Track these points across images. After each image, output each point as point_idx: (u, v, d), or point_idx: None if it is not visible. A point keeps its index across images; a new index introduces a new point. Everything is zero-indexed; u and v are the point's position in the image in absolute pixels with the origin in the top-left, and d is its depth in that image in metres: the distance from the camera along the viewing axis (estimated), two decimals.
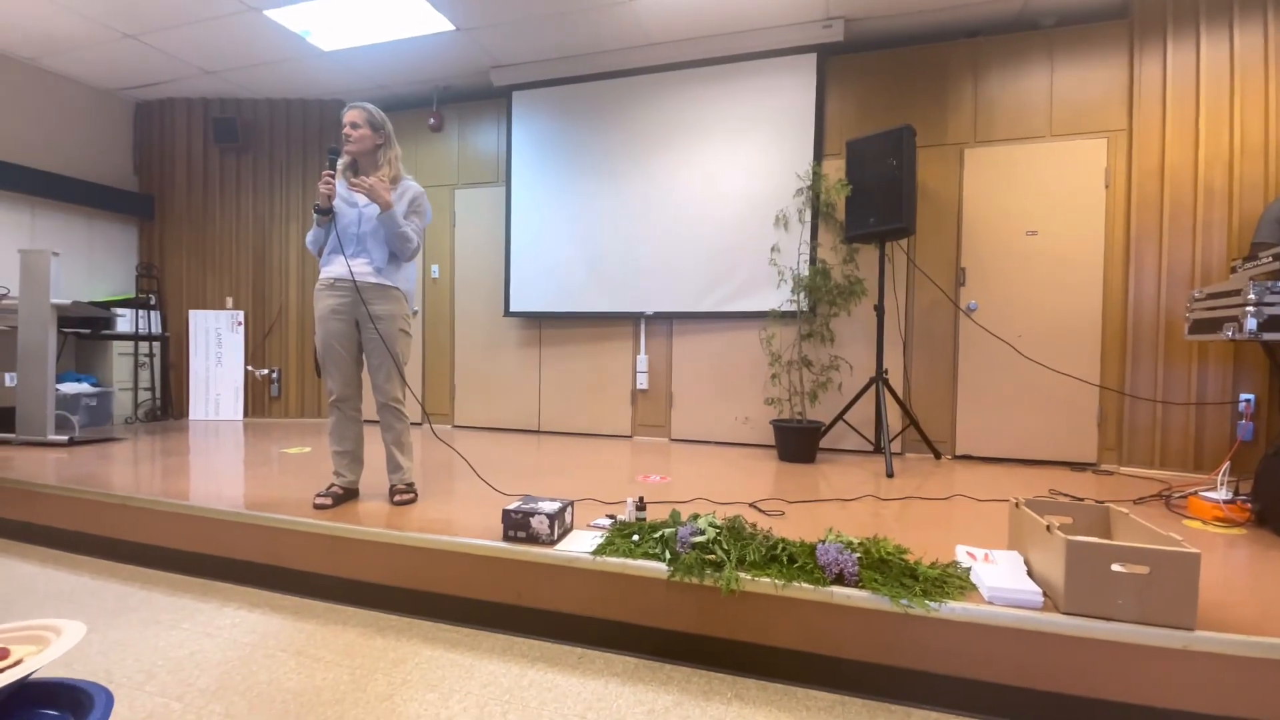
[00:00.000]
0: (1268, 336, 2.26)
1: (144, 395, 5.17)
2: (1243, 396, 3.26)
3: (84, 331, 4.75)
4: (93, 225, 5.12)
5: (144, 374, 5.17)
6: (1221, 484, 2.50)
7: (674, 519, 2.02)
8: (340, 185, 2.46)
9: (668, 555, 1.82)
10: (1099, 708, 1.46)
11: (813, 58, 4.03)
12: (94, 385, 4.83)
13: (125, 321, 5.02)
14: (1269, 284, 2.25)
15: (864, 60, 4.05)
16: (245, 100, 5.27)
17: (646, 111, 4.41)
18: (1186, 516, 2.51)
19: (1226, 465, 2.56)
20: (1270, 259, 2.33)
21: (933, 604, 1.57)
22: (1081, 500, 2.63)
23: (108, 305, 4.93)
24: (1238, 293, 2.36)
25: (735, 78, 4.20)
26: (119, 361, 5.03)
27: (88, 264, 5.09)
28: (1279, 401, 3.12)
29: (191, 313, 5.30)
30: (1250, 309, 2.26)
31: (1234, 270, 3.00)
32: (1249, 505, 2.39)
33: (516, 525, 2.00)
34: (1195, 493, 2.59)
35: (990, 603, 1.57)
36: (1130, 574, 1.45)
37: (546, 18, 3.92)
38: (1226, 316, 2.42)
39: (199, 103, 5.28)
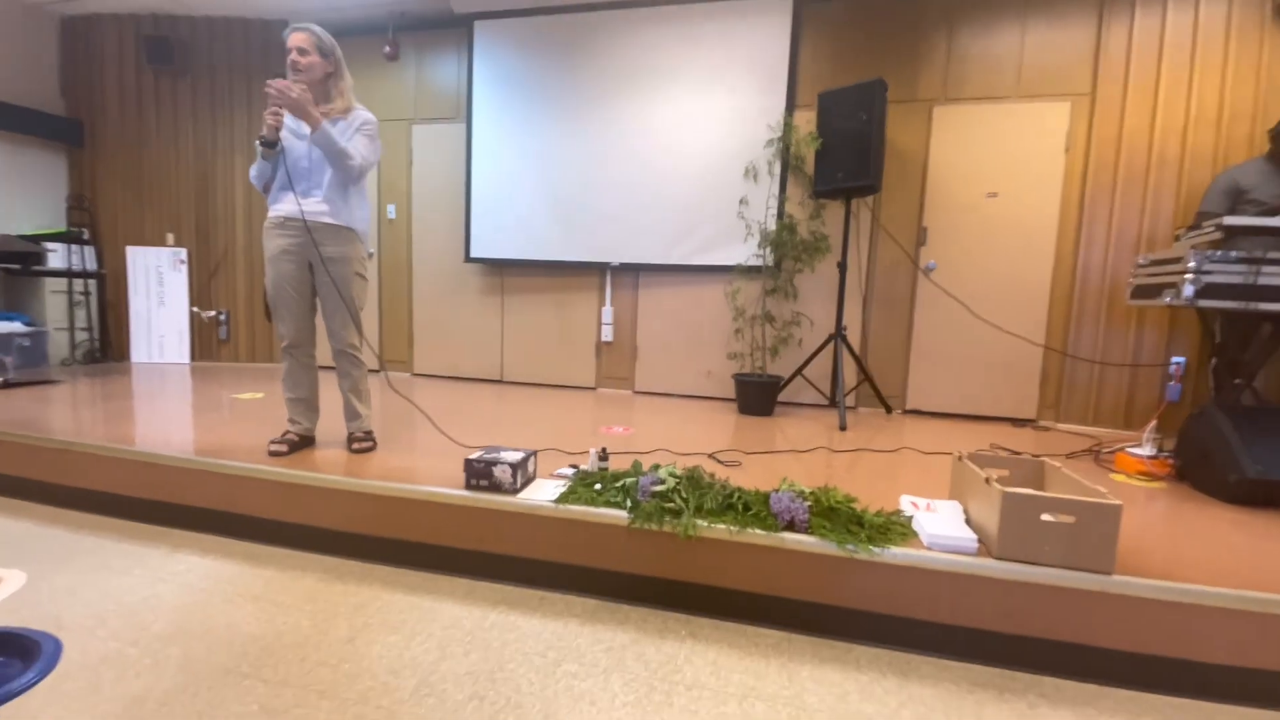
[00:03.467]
0: (1203, 303, 2.37)
1: (81, 336, 4.92)
2: (1174, 359, 3.45)
3: (13, 267, 4.46)
4: (16, 152, 4.73)
5: (80, 313, 4.90)
6: (1147, 441, 2.67)
7: (635, 469, 2.06)
8: (288, 116, 2.30)
9: (629, 503, 1.87)
10: (1026, 644, 1.58)
11: (788, 3, 3.91)
12: (27, 325, 4.57)
13: (57, 257, 4.71)
14: (1209, 253, 2.36)
15: (840, 9, 3.95)
16: (182, 18, 4.85)
17: (617, 50, 4.24)
18: (1113, 471, 2.69)
19: (1153, 424, 2.73)
20: (1213, 229, 2.43)
21: (876, 549, 1.66)
22: (1019, 454, 2.78)
23: (37, 239, 4.61)
24: (1179, 260, 2.46)
25: (710, 20, 4.06)
26: (52, 300, 4.75)
27: (11, 194, 4.72)
28: (1207, 365, 3.31)
29: (129, 249, 5.00)
30: (1189, 276, 2.37)
31: (1178, 239, 3.12)
32: (1171, 461, 2.57)
33: (479, 474, 2.01)
34: (1123, 449, 2.77)
35: (930, 548, 1.66)
36: (1058, 523, 1.55)
37: None
38: (1167, 283, 2.53)
39: (130, 20, 4.85)
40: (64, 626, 1.61)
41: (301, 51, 2.24)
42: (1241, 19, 3.31)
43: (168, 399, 3.52)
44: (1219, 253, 2.36)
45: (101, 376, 4.26)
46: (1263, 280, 2.30)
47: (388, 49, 4.67)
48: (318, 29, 2.28)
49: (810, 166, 3.85)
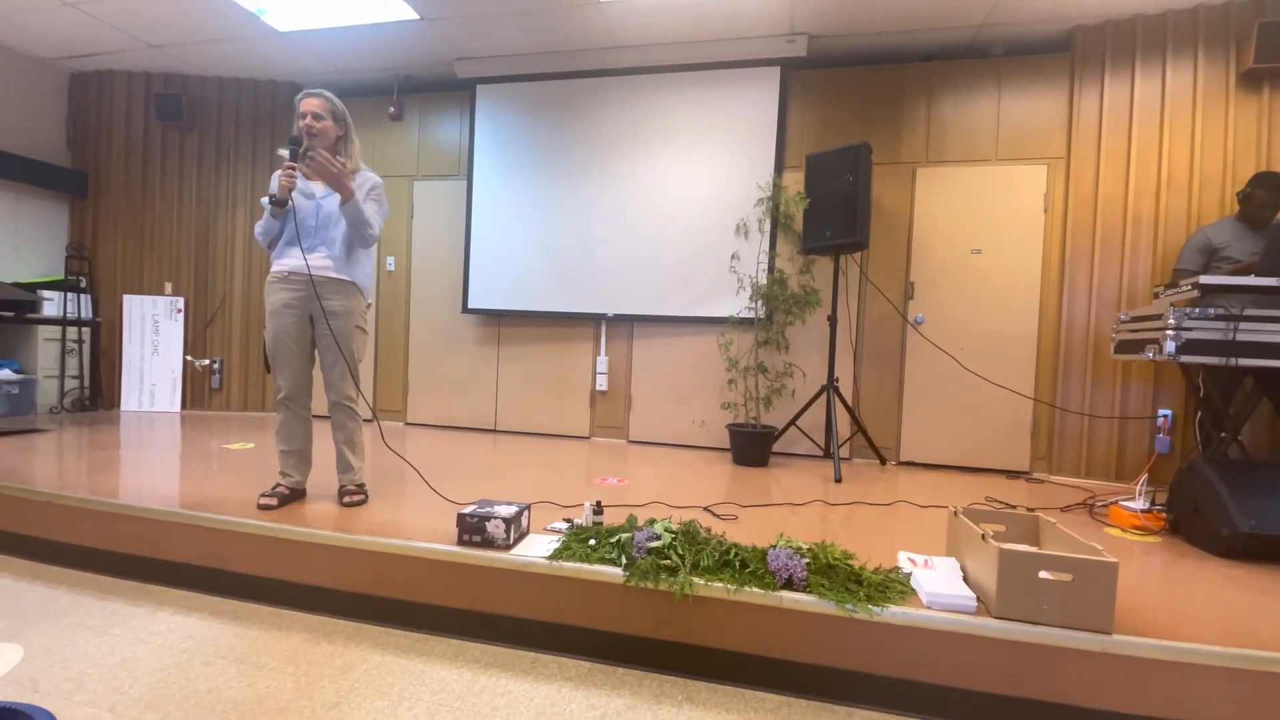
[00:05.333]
0: (1185, 359, 2.43)
1: (71, 383, 4.88)
2: (1161, 412, 3.49)
3: (7, 315, 4.46)
4: (19, 201, 4.80)
5: (71, 361, 4.88)
6: (1140, 494, 2.69)
7: (631, 524, 2.04)
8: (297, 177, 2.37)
9: (624, 560, 1.84)
10: (1026, 706, 1.55)
11: (776, 71, 4.11)
12: (16, 372, 4.53)
13: (52, 305, 4.73)
14: (1187, 310, 2.43)
15: (825, 76, 4.15)
16: (192, 77, 5.02)
17: (613, 113, 4.42)
18: (1107, 524, 2.69)
19: (1145, 476, 2.75)
20: (1190, 286, 2.51)
21: (876, 609, 1.64)
22: (1014, 508, 2.78)
23: (33, 287, 4.64)
24: (1159, 317, 2.53)
25: (701, 85, 4.25)
26: (44, 347, 4.73)
27: (12, 243, 4.77)
28: (1193, 418, 3.35)
29: (126, 298, 5.03)
30: (1170, 333, 2.43)
31: (1156, 295, 3.21)
32: (1164, 515, 2.57)
33: (472, 529, 1.99)
34: (1116, 502, 2.77)
35: (929, 607, 1.65)
36: (1056, 581, 1.54)
37: (513, 14, 3.88)
38: (1148, 339, 2.60)
39: (141, 77, 5.01)
40: (40, 689, 1.55)
41: (316, 116, 2.32)
42: (1207, 88, 3.49)
43: (155, 449, 3.48)
44: (1197, 310, 2.43)
45: (89, 425, 4.21)
46: (1241, 336, 2.37)
47: (392, 109, 4.83)
48: (330, 96, 2.38)
49: (799, 224, 3.97)
